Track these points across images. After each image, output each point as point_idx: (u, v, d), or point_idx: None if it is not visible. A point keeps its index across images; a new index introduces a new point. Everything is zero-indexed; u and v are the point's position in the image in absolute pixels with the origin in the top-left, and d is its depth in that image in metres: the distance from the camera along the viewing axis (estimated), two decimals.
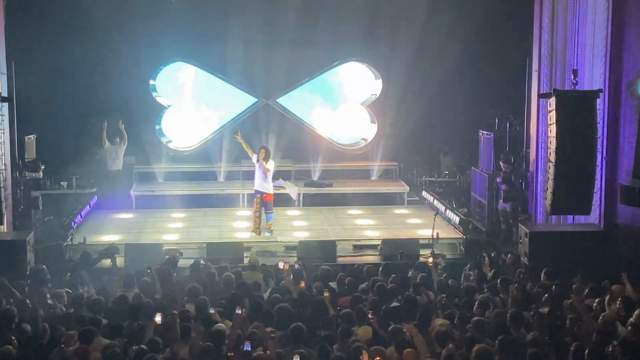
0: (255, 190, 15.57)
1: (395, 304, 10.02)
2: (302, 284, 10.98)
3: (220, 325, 8.94)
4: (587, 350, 8.10)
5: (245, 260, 13.80)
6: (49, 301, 10.34)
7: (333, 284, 11.27)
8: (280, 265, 12.08)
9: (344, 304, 10.15)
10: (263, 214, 15.53)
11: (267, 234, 15.54)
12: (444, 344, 8.53)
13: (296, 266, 12.09)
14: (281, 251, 14.91)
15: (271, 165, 15.50)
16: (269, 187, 15.49)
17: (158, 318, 8.93)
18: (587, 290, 10.57)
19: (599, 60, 13.69)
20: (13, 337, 8.72)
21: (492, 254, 13.34)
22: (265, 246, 15.07)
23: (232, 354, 8.38)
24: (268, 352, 8.31)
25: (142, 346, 8.38)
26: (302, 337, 8.69)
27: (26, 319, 9.33)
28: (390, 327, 9.07)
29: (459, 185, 19.68)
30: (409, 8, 18.61)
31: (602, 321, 9.26)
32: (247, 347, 8.44)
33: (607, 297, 10.14)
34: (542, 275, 11.51)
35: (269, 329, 8.98)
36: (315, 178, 19.75)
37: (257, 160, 15.37)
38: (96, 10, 17.78)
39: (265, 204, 15.48)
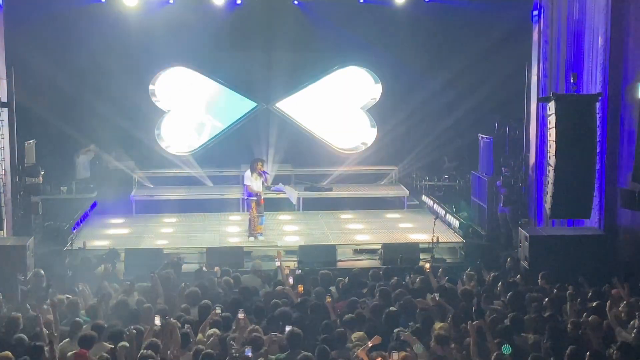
0: (249, 199, 15.96)
1: (393, 308, 10.01)
2: (301, 288, 10.99)
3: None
4: (587, 354, 8.09)
5: (246, 265, 13.82)
6: (48, 306, 10.34)
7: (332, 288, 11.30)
8: (277, 263, 12.10)
9: (340, 309, 10.17)
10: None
11: (260, 238, 15.64)
12: (444, 347, 8.54)
13: (297, 271, 12.08)
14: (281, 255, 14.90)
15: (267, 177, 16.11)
16: (262, 193, 15.95)
17: (157, 321, 8.92)
18: (589, 294, 10.57)
19: (598, 64, 13.70)
20: (14, 342, 8.73)
21: (481, 266, 13.06)
22: (265, 251, 15.06)
23: (237, 355, 8.37)
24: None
25: (142, 351, 8.38)
26: (299, 342, 8.68)
27: (26, 325, 9.35)
28: (393, 332, 9.09)
29: (458, 189, 19.68)
30: (408, 12, 18.60)
31: (604, 325, 9.27)
32: (248, 352, 8.43)
33: (608, 302, 10.14)
34: (539, 278, 11.51)
35: (274, 336, 8.99)
36: (324, 183, 19.72)
37: (259, 173, 15.65)
38: (95, 15, 17.83)
39: (261, 206, 15.75)
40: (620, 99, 13.31)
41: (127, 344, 8.49)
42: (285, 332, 8.88)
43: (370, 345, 8.51)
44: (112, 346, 8.60)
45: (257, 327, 9.29)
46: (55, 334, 8.90)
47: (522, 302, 10.27)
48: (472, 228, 15.90)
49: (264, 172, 15.87)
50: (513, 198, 16.18)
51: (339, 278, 11.67)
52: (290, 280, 11.49)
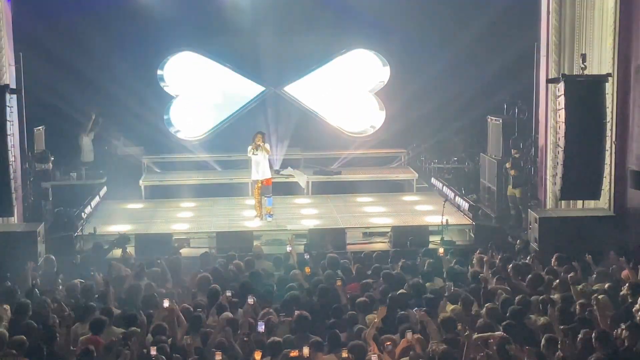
0: (254, 181, 15.98)
1: (403, 290, 10.02)
2: (307, 270, 11.02)
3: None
4: (595, 334, 8.10)
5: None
6: (60, 292, 10.41)
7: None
8: (288, 248, 12.15)
9: (353, 292, 10.18)
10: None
11: (268, 219, 15.72)
12: (451, 330, 8.56)
13: (306, 256, 12.12)
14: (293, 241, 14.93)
15: (268, 147, 15.94)
16: (268, 173, 15.82)
17: (166, 303, 8.96)
18: (595, 275, 10.57)
19: (607, 45, 13.63)
20: (24, 328, 8.79)
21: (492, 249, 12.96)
22: (275, 235, 15.09)
23: (247, 339, 8.42)
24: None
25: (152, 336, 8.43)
26: (307, 325, 8.72)
27: (37, 310, 9.41)
28: (399, 314, 9.11)
29: (467, 172, 19.65)
30: None
31: (613, 306, 9.28)
32: (261, 326, 8.49)
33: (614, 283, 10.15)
34: (553, 260, 11.49)
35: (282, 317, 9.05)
36: (333, 167, 19.69)
37: (257, 147, 15.53)
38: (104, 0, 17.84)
39: (265, 188, 15.79)
40: (630, 79, 13.25)
41: (139, 329, 8.54)
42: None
43: (377, 320, 8.53)
44: (124, 331, 8.66)
45: (267, 309, 9.35)
46: (72, 315, 8.96)
47: (541, 284, 10.25)
48: (481, 210, 15.88)
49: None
50: (522, 180, 16.14)
51: (343, 260, 11.71)
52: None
